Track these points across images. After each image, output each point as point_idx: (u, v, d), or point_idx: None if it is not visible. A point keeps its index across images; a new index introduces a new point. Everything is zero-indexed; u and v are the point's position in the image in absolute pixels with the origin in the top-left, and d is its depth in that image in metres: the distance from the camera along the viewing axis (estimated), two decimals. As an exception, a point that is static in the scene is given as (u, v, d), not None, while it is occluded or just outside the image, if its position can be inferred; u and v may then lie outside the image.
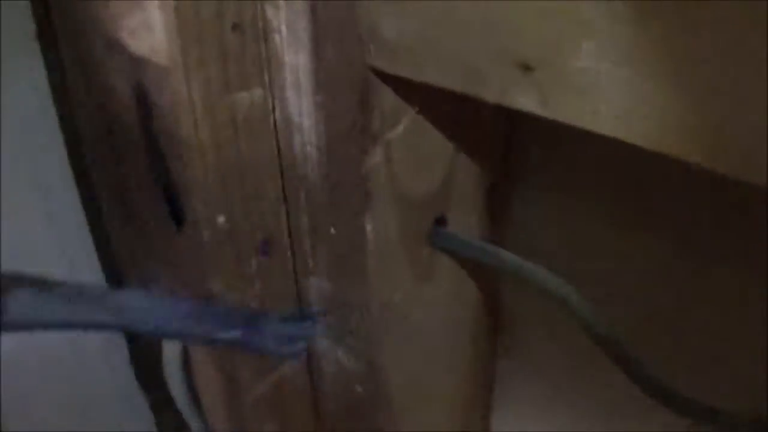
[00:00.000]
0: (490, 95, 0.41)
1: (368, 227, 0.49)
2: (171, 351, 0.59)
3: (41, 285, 0.40)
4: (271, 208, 0.53)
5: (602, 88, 0.38)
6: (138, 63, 0.48)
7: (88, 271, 0.65)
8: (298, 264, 0.55)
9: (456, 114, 0.51)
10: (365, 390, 0.58)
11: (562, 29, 0.37)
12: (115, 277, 0.64)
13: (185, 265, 0.53)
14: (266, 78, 0.49)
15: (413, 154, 0.50)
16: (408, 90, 0.46)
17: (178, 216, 0.51)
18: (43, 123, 0.58)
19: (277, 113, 0.49)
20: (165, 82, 0.47)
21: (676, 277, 0.57)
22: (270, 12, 0.47)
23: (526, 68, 0.39)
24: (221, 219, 0.50)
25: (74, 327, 0.42)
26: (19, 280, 0.39)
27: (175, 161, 0.49)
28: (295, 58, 0.47)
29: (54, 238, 0.62)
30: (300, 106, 0.48)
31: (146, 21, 0.46)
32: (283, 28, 0.47)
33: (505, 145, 0.58)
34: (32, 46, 0.56)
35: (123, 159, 0.52)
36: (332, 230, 0.51)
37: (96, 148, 0.55)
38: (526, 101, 0.40)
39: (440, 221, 0.55)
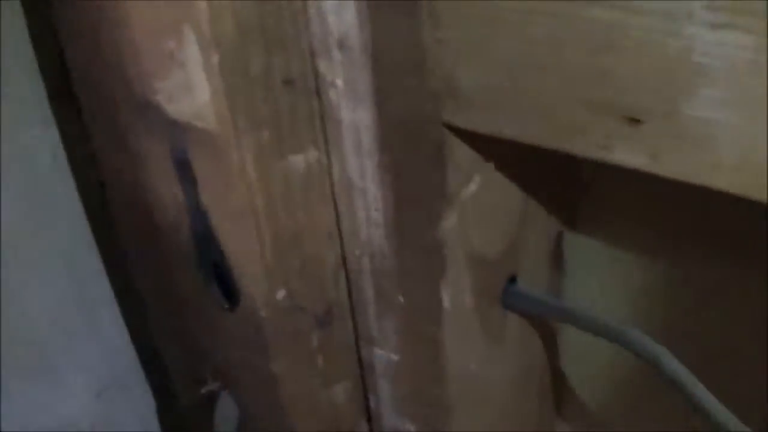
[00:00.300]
0: (589, 151, 0.37)
1: (444, 295, 0.45)
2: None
3: None
4: (331, 276, 0.48)
5: (722, 139, 0.33)
6: (178, 129, 0.43)
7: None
8: (362, 335, 0.50)
9: (532, 163, 0.46)
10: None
11: (676, 76, 0.33)
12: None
13: (241, 348, 0.48)
14: (321, 138, 0.44)
15: (486, 212, 0.45)
16: (486, 144, 0.41)
17: (231, 295, 0.46)
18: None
19: (335, 176, 0.45)
20: (212, 149, 0.42)
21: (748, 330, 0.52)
22: (323, 65, 0.42)
23: (634, 121, 0.35)
24: (281, 293, 0.45)
25: None
26: None
27: (225, 235, 0.44)
28: (353, 115, 0.42)
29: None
30: (362, 168, 0.43)
31: (187, 81, 0.41)
32: (339, 83, 0.42)
33: (576, 191, 0.53)
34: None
35: (163, 235, 0.47)
36: (401, 298, 0.46)
37: (129, 222, 0.51)
38: (632, 157, 0.36)
39: (511, 279, 0.50)
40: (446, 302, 0.45)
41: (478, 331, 0.49)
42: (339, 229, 0.46)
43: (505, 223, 0.48)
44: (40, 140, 0.51)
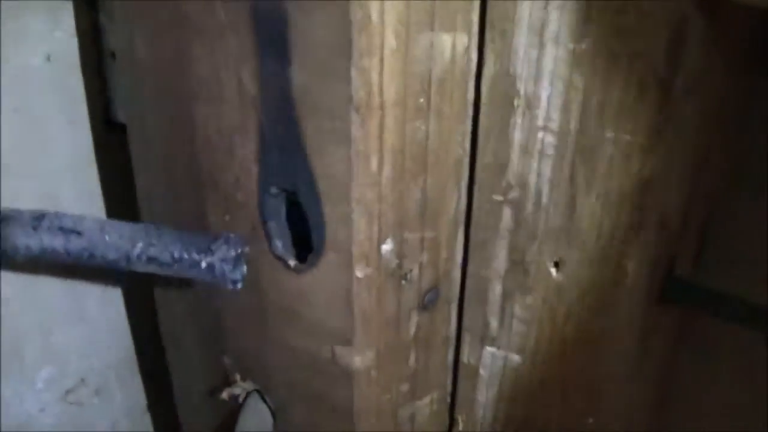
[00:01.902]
0: None
1: (630, 266, 0.30)
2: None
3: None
4: (446, 231, 0.32)
5: None
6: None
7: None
8: (470, 327, 0.35)
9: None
10: None
11: None
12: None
13: (302, 331, 0.32)
14: (475, 16, 0.29)
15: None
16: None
17: (304, 246, 0.30)
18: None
19: (487, 69, 0.30)
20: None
21: None
22: None
23: None
24: (387, 246, 0.30)
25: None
26: None
27: (318, 144, 0.28)
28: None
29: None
30: (537, 58, 0.28)
31: None
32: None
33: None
34: None
35: (203, 147, 0.31)
36: (552, 270, 0.31)
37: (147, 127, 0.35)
38: None
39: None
40: (630, 277, 0.30)
41: (642, 325, 0.34)
42: (473, 153, 0.31)
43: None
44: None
